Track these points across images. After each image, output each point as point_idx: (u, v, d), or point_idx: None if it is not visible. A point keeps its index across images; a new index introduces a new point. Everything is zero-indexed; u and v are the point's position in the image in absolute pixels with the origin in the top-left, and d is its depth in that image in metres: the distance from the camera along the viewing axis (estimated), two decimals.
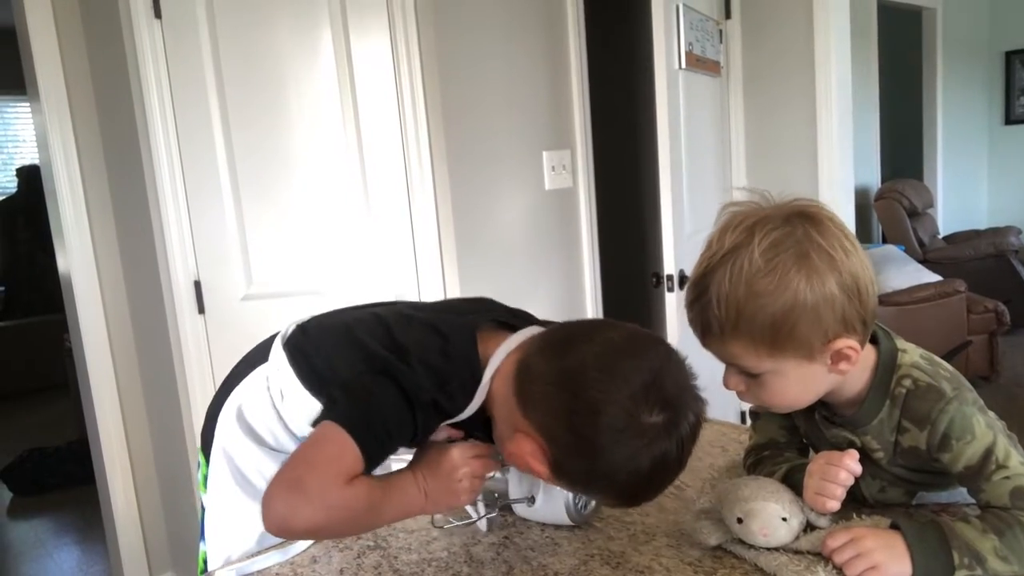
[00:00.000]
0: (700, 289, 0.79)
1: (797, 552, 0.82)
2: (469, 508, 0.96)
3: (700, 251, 0.82)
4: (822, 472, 0.81)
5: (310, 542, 0.97)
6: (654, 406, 0.74)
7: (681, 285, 2.19)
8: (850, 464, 0.80)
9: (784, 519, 0.81)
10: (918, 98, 5.45)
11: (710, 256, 0.79)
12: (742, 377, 0.82)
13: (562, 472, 0.78)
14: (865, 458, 0.85)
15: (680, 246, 2.20)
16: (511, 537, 0.95)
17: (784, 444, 0.96)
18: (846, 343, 0.77)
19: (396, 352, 0.85)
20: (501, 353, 0.85)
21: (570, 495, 0.91)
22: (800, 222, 0.77)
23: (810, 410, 0.89)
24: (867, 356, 0.82)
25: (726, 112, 2.82)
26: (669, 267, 2.17)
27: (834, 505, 0.80)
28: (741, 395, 0.84)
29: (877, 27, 4.83)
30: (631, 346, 0.79)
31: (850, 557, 0.76)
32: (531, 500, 0.95)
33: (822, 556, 0.80)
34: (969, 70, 5.58)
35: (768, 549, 0.82)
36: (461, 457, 0.85)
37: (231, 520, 1.01)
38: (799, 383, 0.81)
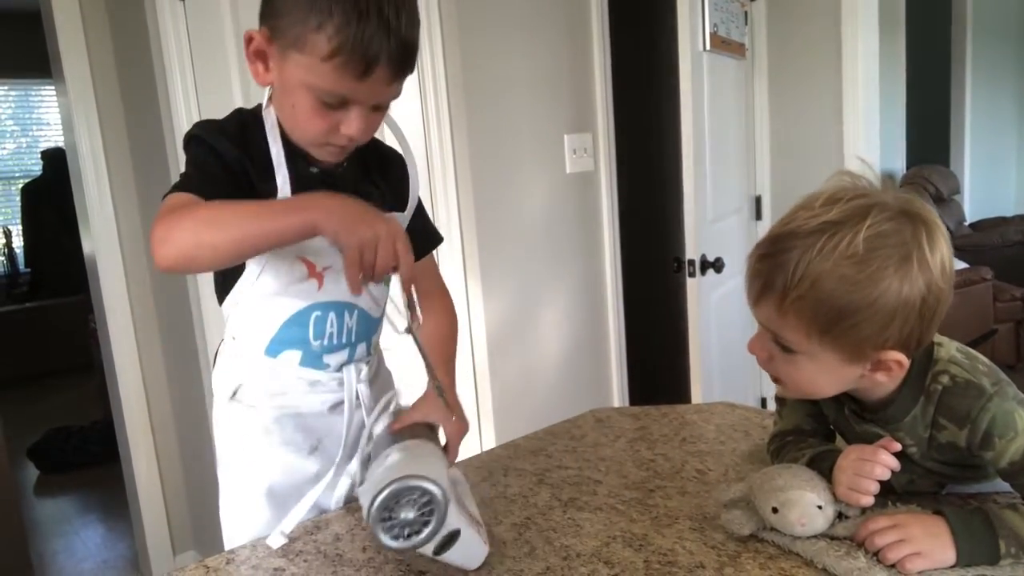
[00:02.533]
0: (782, 246, 0.74)
1: (834, 538, 0.81)
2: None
3: (793, 207, 0.76)
4: (855, 467, 0.79)
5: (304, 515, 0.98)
6: None
7: (703, 270, 2.18)
8: (886, 459, 0.78)
9: (820, 507, 0.80)
10: (946, 82, 5.35)
11: (808, 216, 0.73)
12: (773, 348, 0.79)
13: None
14: (896, 452, 0.84)
15: (702, 231, 2.18)
16: (532, 518, 0.95)
17: (809, 431, 0.95)
18: (895, 356, 0.75)
19: None
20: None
21: (377, 504, 0.74)
22: (914, 221, 0.73)
23: (839, 403, 0.88)
24: None
25: (750, 95, 2.79)
26: (691, 252, 2.15)
27: (867, 500, 0.78)
28: (762, 363, 0.82)
29: (905, 8, 4.74)
30: None
31: (893, 541, 0.75)
32: (360, 483, 0.85)
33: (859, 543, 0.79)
34: (999, 53, 5.47)
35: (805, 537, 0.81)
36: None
37: (245, 499, 1.02)
38: (828, 375, 0.79)
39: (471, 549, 0.82)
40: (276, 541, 0.94)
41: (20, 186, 5.81)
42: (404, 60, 0.85)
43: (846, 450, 0.83)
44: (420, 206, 1.09)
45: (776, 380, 0.84)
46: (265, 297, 0.97)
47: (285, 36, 0.85)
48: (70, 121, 2.28)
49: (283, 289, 0.96)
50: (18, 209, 5.80)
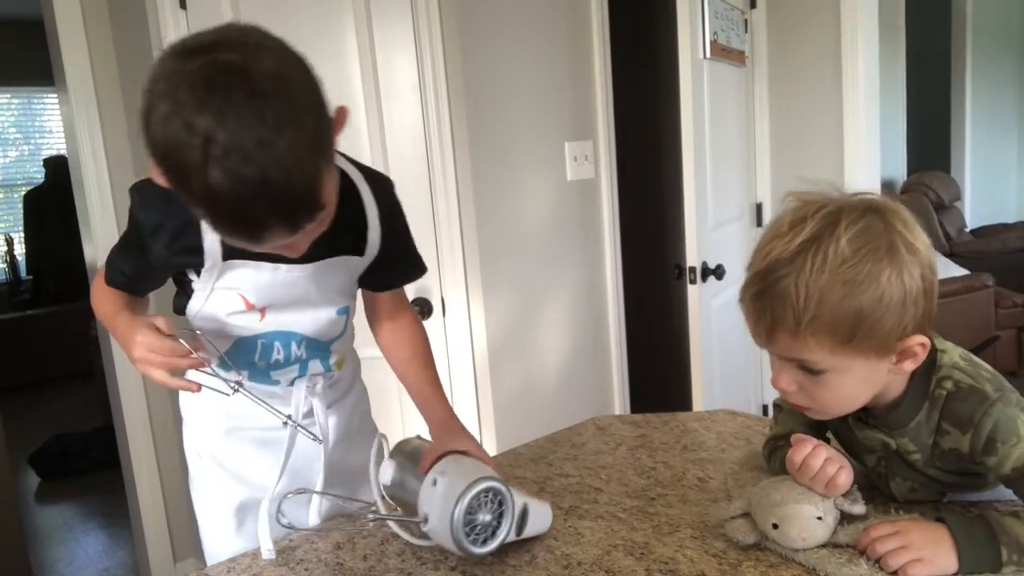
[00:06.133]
0: (773, 277, 0.74)
1: (836, 546, 0.80)
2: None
3: (761, 240, 0.77)
4: (802, 475, 0.81)
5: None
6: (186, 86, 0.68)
7: (704, 277, 2.17)
8: (802, 448, 0.80)
9: (819, 518, 0.79)
10: (946, 88, 5.36)
11: (784, 244, 0.73)
12: (799, 375, 0.78)
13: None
14: (899, 459, 0.84)
15: (703, 238, 2.18)
16: None
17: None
18: (919, 340, 0.75)
19: None
20: None
21: (457, 521, 0.82)
22: (881, 214, 0.74)
23: None
24: None
25: (751, 102, 2.79)
26: (692, 259, 2.15)
27: (834, 476, 0.79)
28: (791, 396, 0.81)
29: (905, 15, 4.75)
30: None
31: (894, 548, 0.75)
32: (424, 521, 0.86)
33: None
34: (999, 60, 5.48)
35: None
36: (143, 340, 0.87)
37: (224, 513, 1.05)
38: (861, 381, 0.77)
39: (540, 515, 0.91)
40: (266, 556, 0.94)
41: (22, 193, 5.82)
42: (297, 213, 0.73)
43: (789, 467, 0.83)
44: (404, 236, 1.06)
45: (806, 410, 0.82)
46: (212, 320, 0.98)
47: None
48: (72, 129, 2.29)
49: (226, 317, 0.97)
50: (20, 216, 5.81)
